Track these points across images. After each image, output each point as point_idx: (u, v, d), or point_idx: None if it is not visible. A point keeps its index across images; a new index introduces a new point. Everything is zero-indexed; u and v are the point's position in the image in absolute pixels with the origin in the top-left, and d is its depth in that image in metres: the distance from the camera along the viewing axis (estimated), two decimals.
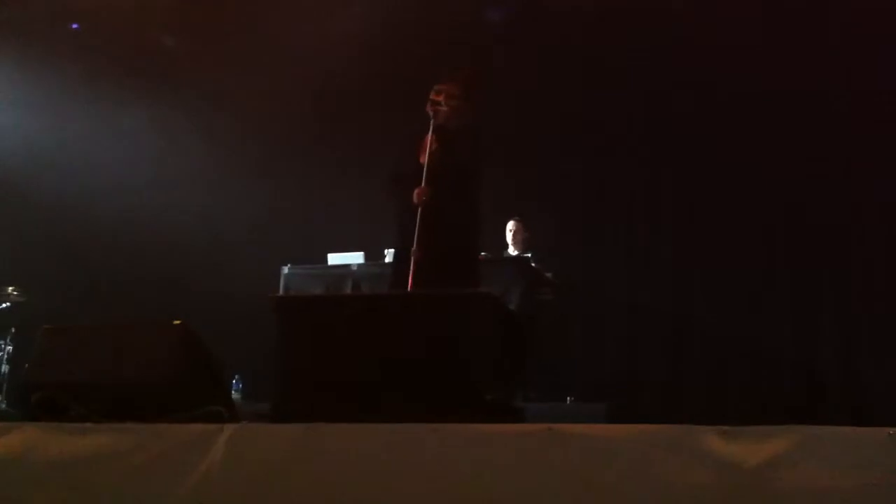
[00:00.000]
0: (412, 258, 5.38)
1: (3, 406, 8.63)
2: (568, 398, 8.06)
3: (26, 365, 4.08)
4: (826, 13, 8.63)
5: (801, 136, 8.69)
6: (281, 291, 8.37)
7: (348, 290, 8.17)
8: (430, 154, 5.51)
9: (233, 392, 7.62)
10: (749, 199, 8.95)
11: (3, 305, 9.12)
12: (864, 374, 8.14)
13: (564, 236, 9.47)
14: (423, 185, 5.45)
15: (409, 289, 5.26)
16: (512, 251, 8.64)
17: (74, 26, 10.64)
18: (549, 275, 8.41)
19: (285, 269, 8.63)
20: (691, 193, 9.24)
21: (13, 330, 9.02)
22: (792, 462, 2.39)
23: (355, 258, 8.59)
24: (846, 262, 8.59)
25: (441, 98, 5.64)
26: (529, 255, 8.43)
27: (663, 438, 2.56)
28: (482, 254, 6.57)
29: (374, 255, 8.45)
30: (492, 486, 2.63)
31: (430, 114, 5.60)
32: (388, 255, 7.90)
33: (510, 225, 8.70)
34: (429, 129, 5.58)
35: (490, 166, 5.97)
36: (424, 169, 5.48)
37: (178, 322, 3.84)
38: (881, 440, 2.37)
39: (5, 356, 8.91)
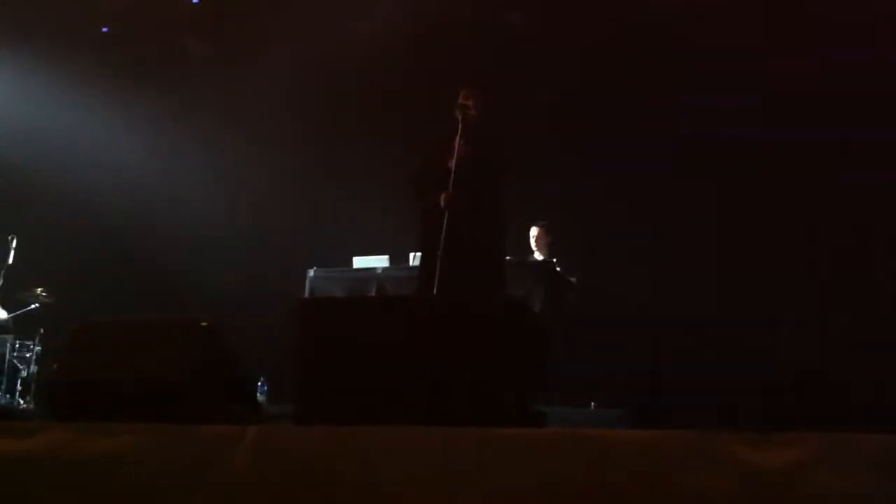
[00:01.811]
0: (438, 262, 5.38)
1: (31, 406, 8.71)
2: (591, 403, 8.03)
3: (54, 365, 4.11)
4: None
5: (817, 139, 8.65)
6: (306, 294, 8.40)
7: (373, 294, 8.19)
8: (457, 158, 5.51)
9: (258, 394, 7.66)
10: (776, 205, 8.90)
11: (32, 306, 9.20)
12: (888, 381, 8.06)
13: (588, 241, 9.44)
14: (450, 188, 5.45)
15: (434, 292, 5.26)
16: (537, 256, 8.63)
17: (104, 30, 10.74)
18: (572, 279, 8.39)
19: (311, 273, 8.66)
20: (717, 199, 9.19)
21: (42, 331, 9.10)
22: (816, 469, 2.37)
23: (380, 261, 8.60)
24: (866, 266, 8.53)
25: (469, 102, 5.64)
26: (554, 259, 8.42)
27: (686, 445, 2.55)
28: (507, 258, 6.57)
29: (399, 259, 8.46)
30: (515, 491, 2.63)
31: (459, 117, 5.60)
32: (413, 258, 7.92)
33: (533, 231, 8.68)
34: (456, 132, 5.57)
35: (516, 171, 5.97)
36: (452, 173, 5.48)
37: (204, 323, 3.86)
38: None
39: (34, 357, 8.98)
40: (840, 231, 8.70)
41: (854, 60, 8.46)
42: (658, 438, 2.60)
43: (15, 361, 8.90)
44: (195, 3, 10.57)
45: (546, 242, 8.67)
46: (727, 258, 8.96)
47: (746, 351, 8.68)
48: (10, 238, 9.03)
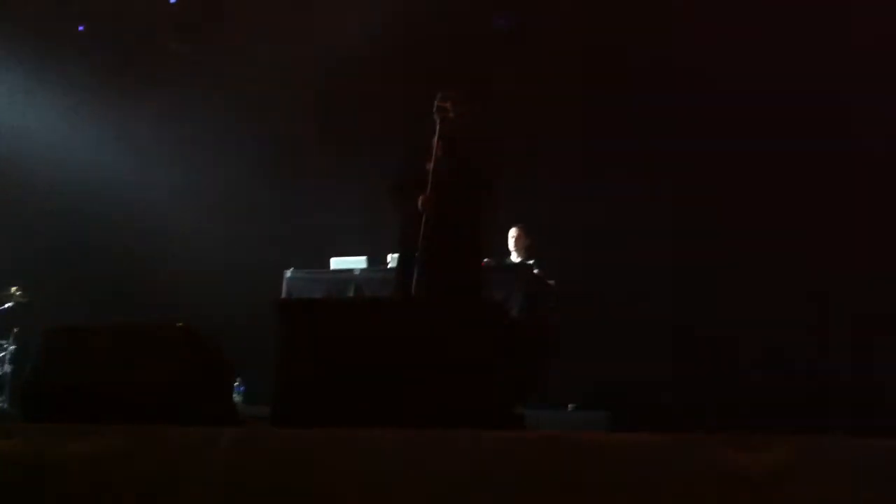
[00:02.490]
0: (416, 264, 5.38)
1: (6, 407, 8.64)
2: (569, 406, 8.05)
3: (29, 366, 4.08)
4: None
5: (812, 139, 8.67)
6: (283, 295, 8.37)
7: (350, 295, 8.17)
8: (435, 160, 5.51)
9: (234, 395, 7.63)
10: (757, 203, 8.92)
11: (6, 306, 9.12)
12: (873, 381, 8.09)
13: (567, 243, 9.45)
14: (428, 191, 5.45)
15: (412, 294, 5.26)
16: (515, 258, 8.63)
17: (80, 28, 10.69)
18: (551, 282, 8.40)
19: (288, 273, 8.62)
20: (695, 199, 9.21)
21: (16, 330, 9.03)
22: (797, 471, 2.37)
23: (358, 263, 8.58)
24: (855, 263, 8.56)
25: (448, 104, 5.64)
26: (532, 261, 8.42)
27: (666, 447, 2.55)
28: (485, 260, 6.56)
29: (376, 260, 8.45)
30: (494, 494, 2.62)
31: (437, 119, 5.60)
32: (391, 259, 7.91)
33: (512, 232, 8.67)
34: (434, 134, 5.58)
35: (495, 173, 5.97)
36: (430, 175, 5.48)
37: (180, 324, 3.84)
38: (887, 451, 2.36)
39: (8, 356, 8.91)
40: (833, 231, 8.71)
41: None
42: (638, 440, 2.60)
43: None
44: (172, 3, 10.53)
45: (525, 244, 8.66)
46: (709, 259, 8.98)
47: (728, 352, 8.71)
48: None
